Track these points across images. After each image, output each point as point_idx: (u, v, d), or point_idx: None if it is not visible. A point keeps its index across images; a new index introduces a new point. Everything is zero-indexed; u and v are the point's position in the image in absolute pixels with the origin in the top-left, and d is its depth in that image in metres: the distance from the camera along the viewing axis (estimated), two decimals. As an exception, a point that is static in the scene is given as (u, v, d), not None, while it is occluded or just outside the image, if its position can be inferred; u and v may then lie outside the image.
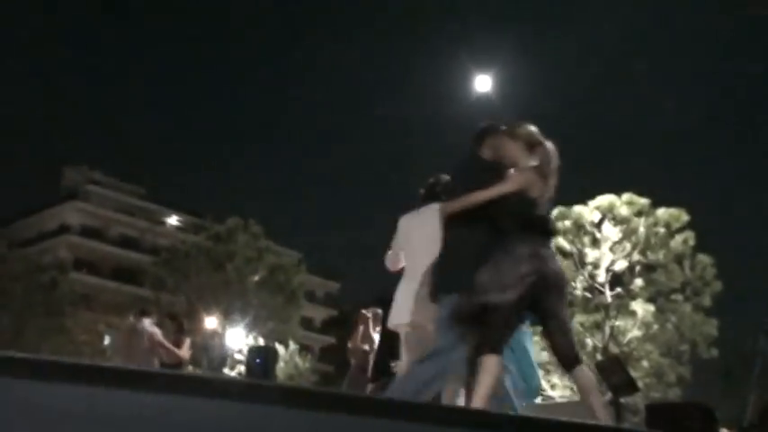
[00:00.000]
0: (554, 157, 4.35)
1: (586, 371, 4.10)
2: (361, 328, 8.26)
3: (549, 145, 4.38)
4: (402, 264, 5.25)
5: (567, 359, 4.10)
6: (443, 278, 4.46)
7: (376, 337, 7.95)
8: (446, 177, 5.12)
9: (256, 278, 33.21)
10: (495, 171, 4.37)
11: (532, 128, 4.43)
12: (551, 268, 4.12)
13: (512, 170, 4.30)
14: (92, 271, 45.83)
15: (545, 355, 24.07)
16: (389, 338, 7.38)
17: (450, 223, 4.50)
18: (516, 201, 4.19)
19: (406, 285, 5.03)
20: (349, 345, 8.55)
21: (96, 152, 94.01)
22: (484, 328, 4.05)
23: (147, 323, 9.41)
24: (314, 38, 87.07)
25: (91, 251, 48.22)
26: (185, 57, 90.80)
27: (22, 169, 79.10)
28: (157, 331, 9.42)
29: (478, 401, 3.88)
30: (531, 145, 4.37)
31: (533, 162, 4.31)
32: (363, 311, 8.38)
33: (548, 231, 4.36)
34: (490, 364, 3.96)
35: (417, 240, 4.96)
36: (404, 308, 4.93)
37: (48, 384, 2.01)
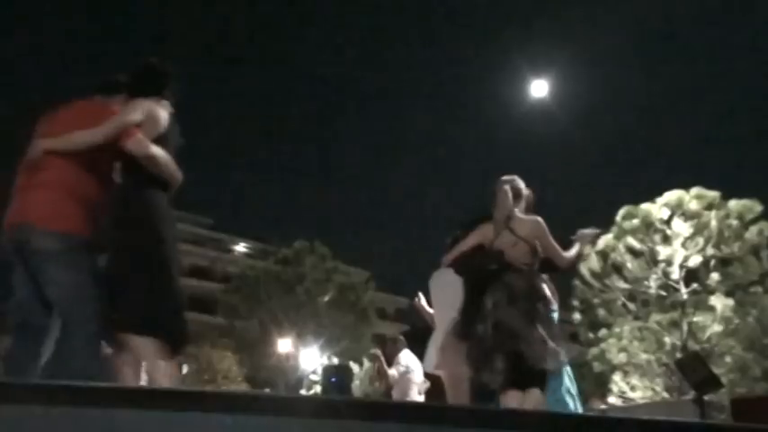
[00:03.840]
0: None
1: None
2: (376, 366, 8.28)
3: None
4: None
5: None
6: None
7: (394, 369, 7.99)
8: None
9: (326, 298, 33.42)
10: None
11: None
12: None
13: None
14: (166, 303, 46.55)
15: (623, 357, 23.66)
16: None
17: None
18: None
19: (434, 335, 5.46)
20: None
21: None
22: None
23: None
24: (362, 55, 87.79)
25: (164, 283, 49.09)
26: (246, 90, 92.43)
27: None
28: None
29: None
30: None
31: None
32: (373, 351, 8.29)
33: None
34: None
35: (443, 296, 5.29)
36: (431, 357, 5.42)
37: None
